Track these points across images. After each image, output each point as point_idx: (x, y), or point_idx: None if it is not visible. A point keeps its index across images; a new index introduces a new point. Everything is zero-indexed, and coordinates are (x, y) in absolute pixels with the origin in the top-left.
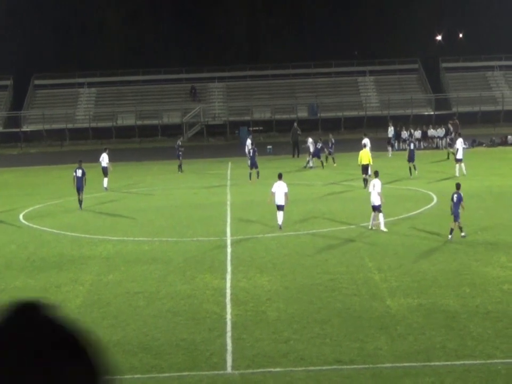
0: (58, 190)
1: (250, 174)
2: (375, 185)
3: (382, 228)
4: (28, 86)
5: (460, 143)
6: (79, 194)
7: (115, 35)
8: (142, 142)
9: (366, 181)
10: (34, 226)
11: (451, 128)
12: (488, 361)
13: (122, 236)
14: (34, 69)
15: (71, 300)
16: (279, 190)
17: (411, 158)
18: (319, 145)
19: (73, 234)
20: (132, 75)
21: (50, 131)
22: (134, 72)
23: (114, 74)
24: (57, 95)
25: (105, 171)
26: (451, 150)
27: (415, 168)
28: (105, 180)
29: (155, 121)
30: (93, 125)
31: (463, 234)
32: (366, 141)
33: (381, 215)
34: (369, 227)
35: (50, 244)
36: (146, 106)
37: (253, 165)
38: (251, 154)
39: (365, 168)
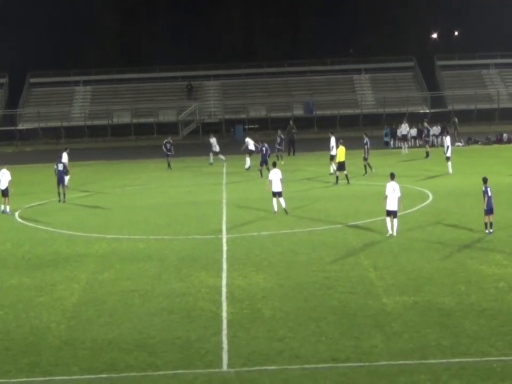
0: (54, 188)
1: (260, 171)
2: (395, 189)
3: (395, 233)
4: (23, 84)
5: (449, 141)
6: (59, 187)
7: (111, 33)
8: (137, 140)
9: (346, 176)
10: (30, 224)
11: (427, 127)
12: (484, 358)
13: (118, 234)
14: (30, 67)
15: (67, 298)
16: (276, 177)
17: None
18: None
19: (68, 232)
20: (127, 73)
21: (46, 129)
22: (130, 70)
23: (110, 72)
24: (52, 93)
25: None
26: (428, 148)
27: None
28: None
29: (151, 119)
30: (89, 123)
31: (491, 230)
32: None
33: (395, 220)
34: (388, 234)
35: (46, 242)
36: (142, 104)
37: (264, 163)
38: (264, 152)
39: (341, 165)
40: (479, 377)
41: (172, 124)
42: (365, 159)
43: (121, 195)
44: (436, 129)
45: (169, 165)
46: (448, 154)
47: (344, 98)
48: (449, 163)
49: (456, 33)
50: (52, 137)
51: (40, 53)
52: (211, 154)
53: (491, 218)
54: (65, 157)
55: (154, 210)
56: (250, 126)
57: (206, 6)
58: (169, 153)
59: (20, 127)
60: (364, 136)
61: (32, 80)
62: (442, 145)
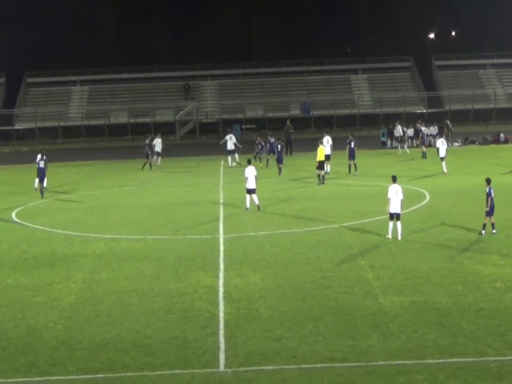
0: (51, 188)
1: (280, 168)
2: (398, 192)
3: (399, 236)
4: (20, 84)
5: (440, 143)
6: (41, 183)
7: (108, 33)
8: (134, 140)
9: (319, 177)
10: (27, 224)
11: (420, 128)
12: (481, 358)
13: (115, 233)
14: (27, 66)
15: (64, 298)
16: (251, 174)
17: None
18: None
19: (65, 232)
20: (124, 73)
21: (43, 129)
22: (127, 70)
23: (107, 72)
24: (50, 93)
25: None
26: (424, 149)
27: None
28: (37, 180)
29: (148, 119)
30: (86, 123)
31: (494, 231)
32: (326, 139)
33: (399, 223)
34: (387, 237)
35: (43, 242)
36: (139, 104)
37: (279, 161)
38: (279, 149)
39: (321, 165)
40: (476, 377)
41: (169, 123)
42: (350, 159)
43: (118, 195)
44: (432, 130)
45: (150, 165)
46: (441, 155)
47: (341, 98)
48: (443, 163)
49: (453, 33)
50: (49, 137)
51: (38, 53)
52: (229, 157)
53: (492, 219)
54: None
55: (152, 210)
56: (247, 126)
57: (203, 6)
58: (150, 154)
59: (17, 127)
60: (350, 136)
61: (29, 80)
62: (419, 146)
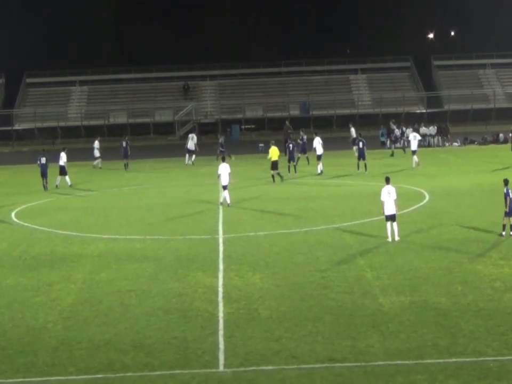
0: (50, 188)
1: (289, 167)
2: (391, 193)
3: (396, 237)
4: (19, 84)
5: (412, 137)
6: (43, 179)
7: (107, 33)
8: (134, 140)
9: (273, 177)
10: (26, 224)
11: (394, 128)
12: (480, 358)
13: (114, 234)
14: (26, 67)
15: (63, 298)
16: (225, 171)
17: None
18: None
19: (65, 232)
20: (123, 73)
21: (42, 129)
22: (126, 71)
23: (106, 72)
24: (49, 93)
25: (62, 170)
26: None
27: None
28: (66, 177)
29: (147, 119)
30: (85, 123)
31: (511, 233)
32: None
33: (395, 224)
34: (387, 240)
35: (42, 242)
36: (138, 104)
37: (291, 159)
38: (290, 148)
39: (274, 164)
40: (476, 377)
41: (168, 124)
42: (360, 158)
43: (117, 195)
44: (431, 129)
45: (127, 165)
46: (413, 148)
47: (340, 98)
48: (415, 156)
49: (452, 33)
50: (48, 137)
51: (37, 53)
52: (187, 155)
53: (511, 220)
54: (64, 157)
55: (151, 210)
56: (246, 126)
57: (203, 6)
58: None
59: (16, 127)
60: (359, 136)
61: (29, 80)
62: (438, 145)
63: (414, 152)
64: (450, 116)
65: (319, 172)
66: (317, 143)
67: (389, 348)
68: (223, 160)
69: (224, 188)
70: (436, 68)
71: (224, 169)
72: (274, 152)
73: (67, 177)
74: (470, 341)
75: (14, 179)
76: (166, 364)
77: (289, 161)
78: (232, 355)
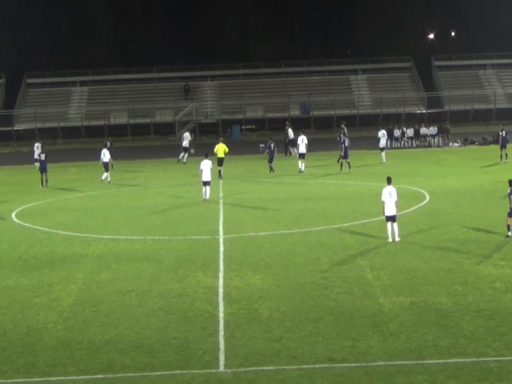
0: (51, 189)
1: (271, 167)
2: (392, 194)
3: (397, 237)
4: (20, 84)
5: (381, 134)
6: (42, 174)
7: (107, 34)
8: (134, 141)
9: (220, 172)
10: (26, 224)
11: (345, 130)
12: (480, 359)
13: (115, 234)
14: (26, 67)
15: (63, 299)
16: (206, 167)
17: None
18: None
19: (65, 232)
20: (124, 73)
21: (43, 130)
22: (126, 71)
23: (107, 72)
24: (49, 94)
25: (106, 166)
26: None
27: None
28: (106, 174)
29: (147, 120)
30: (85, 123)
31: None
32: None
33: (395, 225)
34: (389, 240)
35: (43, 243)
36: (139, 104)
37: (301, 156)
38: (272, 148)
39: (220, 161)
40: (476, 378)
41: (169, 124)
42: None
43: (118, 195)
44: (432, 130)
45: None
46: (381, 145)
47: (340, 98)
48: (383, 153)
49: (453, 33)
50: (49, 138)
51: (37, 54)
52: (182, 153)
53: None
54: (107, 154)
55: (151, 211)
56: (247, 127)
57: (203, 6)
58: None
59: (17, 127)
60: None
61: (29, 81)
62: (438, 145)
63: (381, 150)
64: (450, 116)
65: (302, 169)
66: (301, 141)
67: (389, 348)
68: (206, 156)
69: (206, 183)
70: (436, 68)
71: (206, 165)
72: (220, 149)
73: (108, 174)
74: (471, 342)
75: (14, 179)
76: (167, 364)
77: (270, 162)
78: (232, 355)
